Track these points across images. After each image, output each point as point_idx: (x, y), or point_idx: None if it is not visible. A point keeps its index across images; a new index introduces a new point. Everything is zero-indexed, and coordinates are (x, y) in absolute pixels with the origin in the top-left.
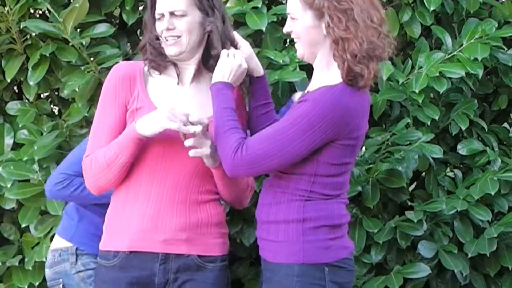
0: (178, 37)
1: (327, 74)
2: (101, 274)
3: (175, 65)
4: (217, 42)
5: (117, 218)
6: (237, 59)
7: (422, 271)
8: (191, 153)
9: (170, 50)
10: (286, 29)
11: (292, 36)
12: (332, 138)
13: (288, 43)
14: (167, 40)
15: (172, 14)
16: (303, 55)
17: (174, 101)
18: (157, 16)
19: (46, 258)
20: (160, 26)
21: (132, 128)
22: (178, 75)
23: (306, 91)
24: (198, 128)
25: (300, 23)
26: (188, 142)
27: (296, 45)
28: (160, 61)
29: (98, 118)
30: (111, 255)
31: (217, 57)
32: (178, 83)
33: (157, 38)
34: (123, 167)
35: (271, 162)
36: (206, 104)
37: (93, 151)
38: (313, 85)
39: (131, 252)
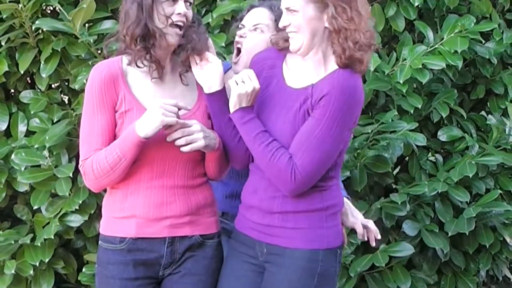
0: (183, 26)
1: (324, 65)
2: (106, 257)
3: (158, 63)
4: (196, 40)
5: (119, 206)
6: (248, 84)
7: (406, 249)
8: (187, 148)
9: (174, 38)
10: (283, 23)
11: (289, 29)
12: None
13: None
14: (171, 26)
15: (186, 1)
16: (301, 47)
17: (158, 96)
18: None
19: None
20: (175, 9)
21: (132, 132)
22: (159, 75)
23: (310, 84)
24: (195, 125)
25: (302, 15)
26: (180, 142)
27: (293, 38)
28: (154, 61)
29: (89, 121)
30: (117, 240)
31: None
32: (159, 78)
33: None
34: (127, 168)
35: (324, 168)
36: (186, 90)
37: (89, 154)
38: (313, 77)
39: (138, 238)
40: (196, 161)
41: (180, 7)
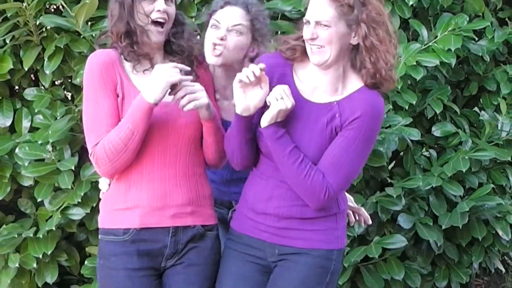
0: (165, 24)
1: (342, 81)
2: (109, 249)
3: (146, 57)
4: (186, 45)
5: (123, 197)
6: (287, 100)
7: (399, 241)
8: (190, 105)
9: (156, 36)
10: (310, 36)
11: (316, 42)
12: None
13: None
14: (152, 24)
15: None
16: (327, 60)
17: None
18: None
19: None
20: (154, 7)
21: (141, 101)
22: (150, 66)
23: (333, 101)
24: (198, 85)
25: (334, 30)
26: (183, 101)
27: (320, 51)
28: (140, 55)
29: (93, 107)
30: (121, 232)
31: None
32: (151, 68)
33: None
34: (139, 143)
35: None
36: None
37: (98, 139)
38: (331, 92)
39: (142, 228)
40: (197, 145)
41: (159, 4)
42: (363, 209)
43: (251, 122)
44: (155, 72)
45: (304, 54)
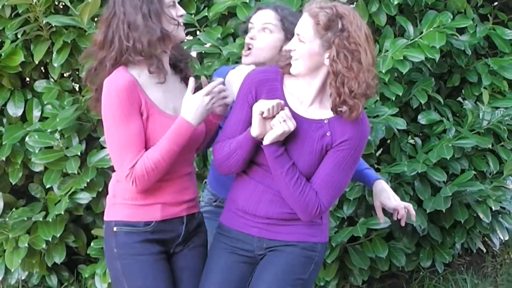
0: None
1: (325, 97)
2: (131, 238)
3: (163, 67)
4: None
5: (141, 195)
6: (289, 123)
7: (384, 222)
8: (222, 102)
9: (183, 32)
10: (290, 47)
11: (293, 54)
12: None
13: None
14: (179, 25)
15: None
16: (300, 73)
17: (168, 98)
18: (170, 3)
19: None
20: (177, 12)
21: (185, 126)
22: (165, 78)
23: (324, 119)
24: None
25: (307, 47)
26: (216, 103)
27: (294, 63)
28: (160, 66)
29: (125, 130)
30: (142, 224)
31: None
32: (163, 81)
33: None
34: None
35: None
36: (183, 88)
37: (135, 159)
38: (317, 104)
39: (161, 220)
40: (192, 150)
41: (180, 9)
42: (411, 205)
43: (259, 142)
44: (196, 101)
45: None
